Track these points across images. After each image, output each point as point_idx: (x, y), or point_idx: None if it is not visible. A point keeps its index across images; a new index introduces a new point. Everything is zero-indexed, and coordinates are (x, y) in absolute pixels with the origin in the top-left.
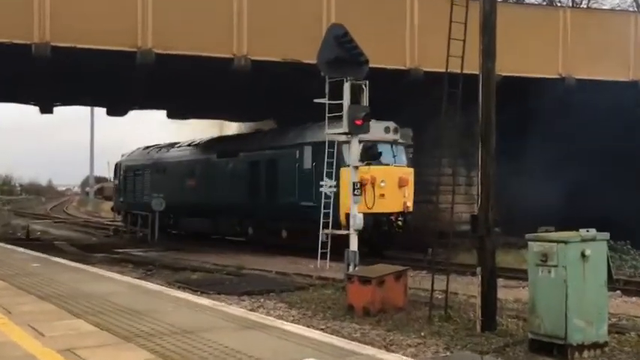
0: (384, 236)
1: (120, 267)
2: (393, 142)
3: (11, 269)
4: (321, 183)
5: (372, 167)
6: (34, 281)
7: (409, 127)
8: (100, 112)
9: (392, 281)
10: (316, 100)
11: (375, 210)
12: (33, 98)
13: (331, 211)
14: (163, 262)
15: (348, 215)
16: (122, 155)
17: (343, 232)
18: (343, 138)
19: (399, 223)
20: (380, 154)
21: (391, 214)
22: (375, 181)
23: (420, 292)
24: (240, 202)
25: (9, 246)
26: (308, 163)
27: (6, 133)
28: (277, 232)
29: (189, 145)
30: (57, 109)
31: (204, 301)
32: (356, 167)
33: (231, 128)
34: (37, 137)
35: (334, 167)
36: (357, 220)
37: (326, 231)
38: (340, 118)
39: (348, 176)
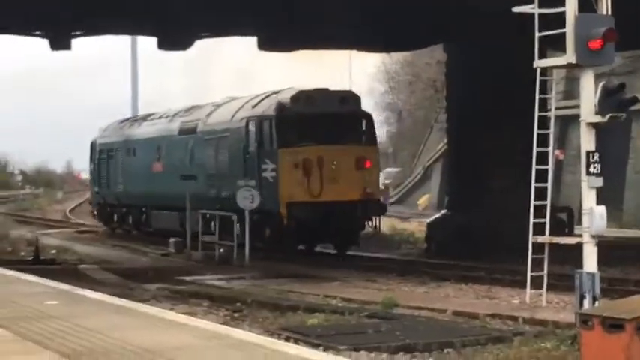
0: (335, 229)
1: (189, 305)
2: (354, 115)
3: (15, 309)
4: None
5: (320, 146)
6: (51, 328)
7: None
8: (147, 46)
9: None
10: (517, 9)
11: (323, 198)
12: (41, 25)
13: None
14: (259, 298)
15: (289, 205)
16: (100, 131)
17: (571, 240)
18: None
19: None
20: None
21: (346, 202)
22: (324, 162)
23: None
24: (201, 192)
25: (9, 272)
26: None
27: None
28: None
29: (160, 117)
30: (77, 43)
31: None
32: (594, 125)
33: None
34: (45, 96)
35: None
36: (598, 218)
37: (542, 238)
38: (557, 39)
39: (288, 159)
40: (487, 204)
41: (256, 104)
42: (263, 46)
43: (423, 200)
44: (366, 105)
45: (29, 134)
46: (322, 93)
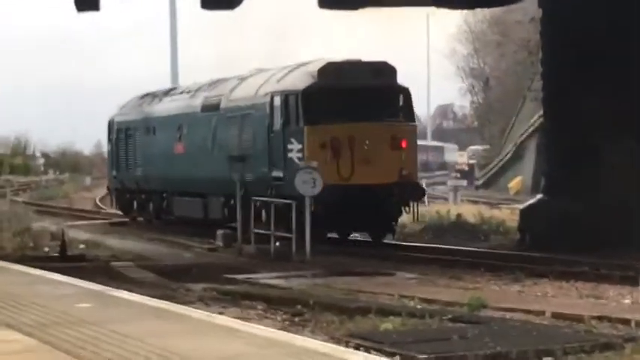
0: (368, 215)
1: (241, 308)
2: (389, 90)
3: (41, 314)
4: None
5: (350, 124)
6: (82, 335)
7: None
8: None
9: None
10: None
11: (355, 181)
12: None
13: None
14: (323, 299)
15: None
16: (119, 108)
17: None
18: None
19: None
20: None
21: (380, 185)
22: (355, 142)
23: None
24: (224, 175)
25: (33, 271)
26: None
27: (14, 62)
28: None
29: (182, 92)
30: (106, 5)
31: None
32: None
33: None
34: (70, 68)
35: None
36: None
37: None
38: None
39: (315, 138)
40: (594, 185)
41: (282, 78)
42: (324, 2)
43: (514, 183)
44: (447, 70)
45: (51, 111)
46: (354, 65)
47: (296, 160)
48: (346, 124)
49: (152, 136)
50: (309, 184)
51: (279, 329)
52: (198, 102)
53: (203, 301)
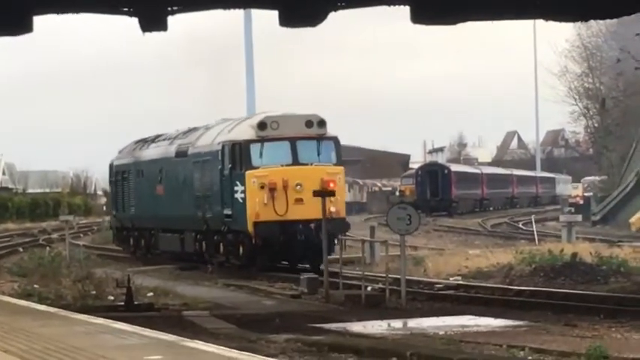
0: (301, 247)
1: None
2: (319, 138)
3: None
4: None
5: (284, 168)
6: None
7: None
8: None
9: None
10: None
11: (289, 217)
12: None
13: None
14: (422, 350)
15: (255, 224)
16: (118, 152)
17: None
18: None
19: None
20: None
21: (311, 221)
22: (288, 183)
23: None
24: (190, 213)
25: (97, 320)
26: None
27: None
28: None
29: (164, 139)
30: (174, 21)
31: None
32: None
33: None
34: (130, 93)
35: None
36: None
37: None
38: None
39: (254, 181)
40: None
41: (232, 129)
42: (418, 17)
43: (637, 218)
44: (558, 91)
45: (112, 140)
46: (288, 117)
47: (240, 200)
48: (281, 168)
49: (141, 178)
50: (404, 221)
51: None
52: (173, 149)
53: (286, 354)
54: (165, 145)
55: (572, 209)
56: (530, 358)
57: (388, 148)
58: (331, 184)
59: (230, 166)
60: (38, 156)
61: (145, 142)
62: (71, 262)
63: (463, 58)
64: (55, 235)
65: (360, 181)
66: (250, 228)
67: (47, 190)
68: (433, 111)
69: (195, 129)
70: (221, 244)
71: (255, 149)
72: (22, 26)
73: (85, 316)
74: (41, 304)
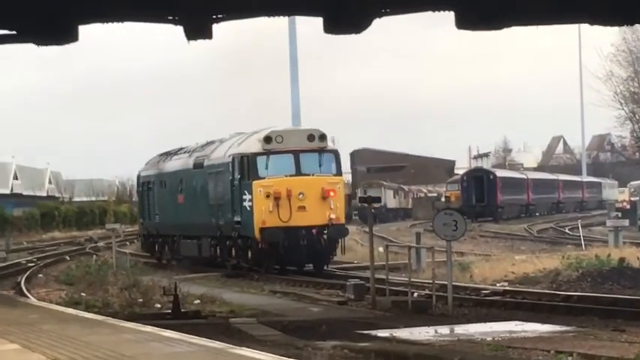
0: (304, 251)
1: None
2: (320, 151)
3: None
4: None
5: (288, 178)
6: None
7: None
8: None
9: None
10: None
11: (292, 223)
12: (174, 7)
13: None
14: (469, 357)
15: (262, 230)
16: (145, 164)
17: None
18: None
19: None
20: None
21: (312, 227)
22: (292, 193)
23: None
24: (206, 221)
25: (144, 328)
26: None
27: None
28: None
29: (185, 152)
30: (219, 29)
31: None
32: None
33: None
34: (181, 108)
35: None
36: None
37: None
38: None
39: (260, 190)
40: None
41: (241, 142)
42: (463, 23)
43: None
44: (604, 95)
45: (157, 149)
46: (292, 132)
47: (248, 208)
48: (285, 178)
49: (164, 188)
50: (450, 227)
51: None
52: (191, 161)
53: None
54: (185, 157)
55: (619, 214)
56: None
57: (433, 154)
58: (331, 193)
59: (239, 176)
60: (84, 165)
61: (168, 154)
62: (118, 270)
63: (506, 63)
64: (101, 244)
65: (406, 188)
66: (257, 233)
67: (93, 199)
68: (478, 117)
69: (211, 142)
70: (233, 248)
71: (261, 161)
72: (68, 35)
73: (133, 324)
74: (88, 312)
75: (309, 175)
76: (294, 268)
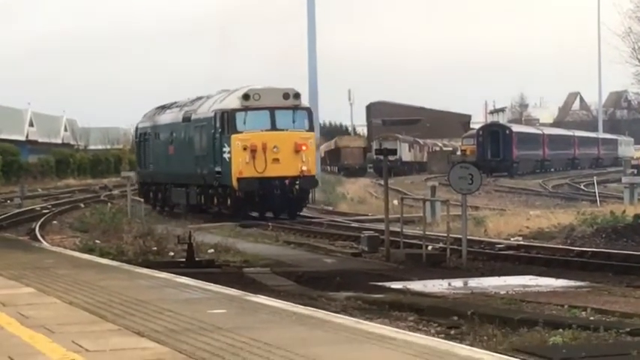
0: (278, 200)
1: (389, 320)
2: (294, 108)
3: (172, 320)
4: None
5: (264, 132)
6: (219, 344)
7: None
8: None
9: None
10: None
11: (267, 174)
12: None
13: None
14: (482, 309)
15: (239, 179)
16: (142, 116)
17: None
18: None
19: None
20: None
21: (285, 178)
22: (267, 146)
23: None
24: (191, 171)
25: (160, 274)
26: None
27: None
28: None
29: (177, 106)
30: None
31: None
32: None
33: None
34: (204, 59)
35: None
36: None
37: None
38: None
39: (238, 143)
40: None
41: (223, 99)
42: None
43: None
44: (622, 52)
45: (173, 97)
46: (269, 90)
47: (227, 160)
48: (261, 133)
49: (158, 140)
50: (465, 181)
51: (441, 338)
52: (181, 115)
53: (346, 311)
54: (176, 111)
55: (635, 171)
56: (592, 318)
57: (449, 108)
58: (303, 147)
59: (220, 130)
60: (100, 112)
61: (163, 108)
62: (132, 219)
63: (526, 19)
64: (116, 192)
65: (421, 141)
66: (235, 183)
67: (108, 147)
68: (495, 70)
69: (199, 98)
70: (214, 197)
71: (239, 117)
72: None
73: (149, 270)
74: (103, 258)
75: (283, 130)
76: (271, 215)
